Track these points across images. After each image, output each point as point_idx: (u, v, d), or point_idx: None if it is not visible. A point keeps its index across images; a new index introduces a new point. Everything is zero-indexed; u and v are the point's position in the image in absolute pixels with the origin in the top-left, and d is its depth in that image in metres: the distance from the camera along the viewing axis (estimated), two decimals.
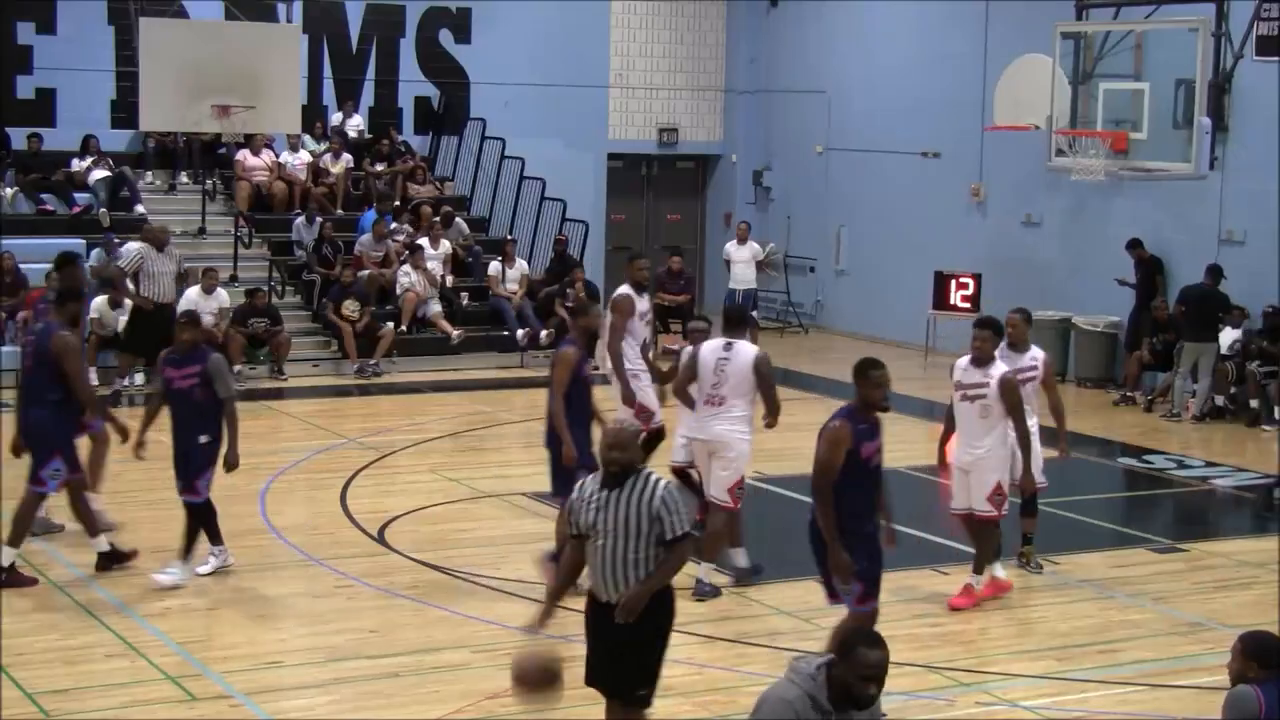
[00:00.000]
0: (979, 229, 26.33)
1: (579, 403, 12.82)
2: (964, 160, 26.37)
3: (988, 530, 12.92)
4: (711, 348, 13.03)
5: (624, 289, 14.71)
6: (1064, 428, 13.88)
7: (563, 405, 12.72)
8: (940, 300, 25.73)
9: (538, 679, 8.18)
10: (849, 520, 10.08)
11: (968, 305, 25.25)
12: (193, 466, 13.07)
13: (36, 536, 13.87)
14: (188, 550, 13.19)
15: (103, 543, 13.47)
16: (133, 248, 21.69)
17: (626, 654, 8.68)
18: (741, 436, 12.88)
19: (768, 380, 12.89)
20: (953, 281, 25.56)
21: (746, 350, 12.92)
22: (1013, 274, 24.94)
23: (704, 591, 12.83)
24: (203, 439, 13.03)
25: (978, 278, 25.27)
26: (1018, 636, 12.42)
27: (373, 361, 23.45)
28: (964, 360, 12.92)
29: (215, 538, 13.42)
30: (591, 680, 8.88)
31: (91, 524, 13.42)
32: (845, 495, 10.10)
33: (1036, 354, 13.69)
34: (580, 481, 8.75)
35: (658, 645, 8.74)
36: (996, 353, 12.88)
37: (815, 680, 6.33)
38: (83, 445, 13.63)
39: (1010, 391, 12.59)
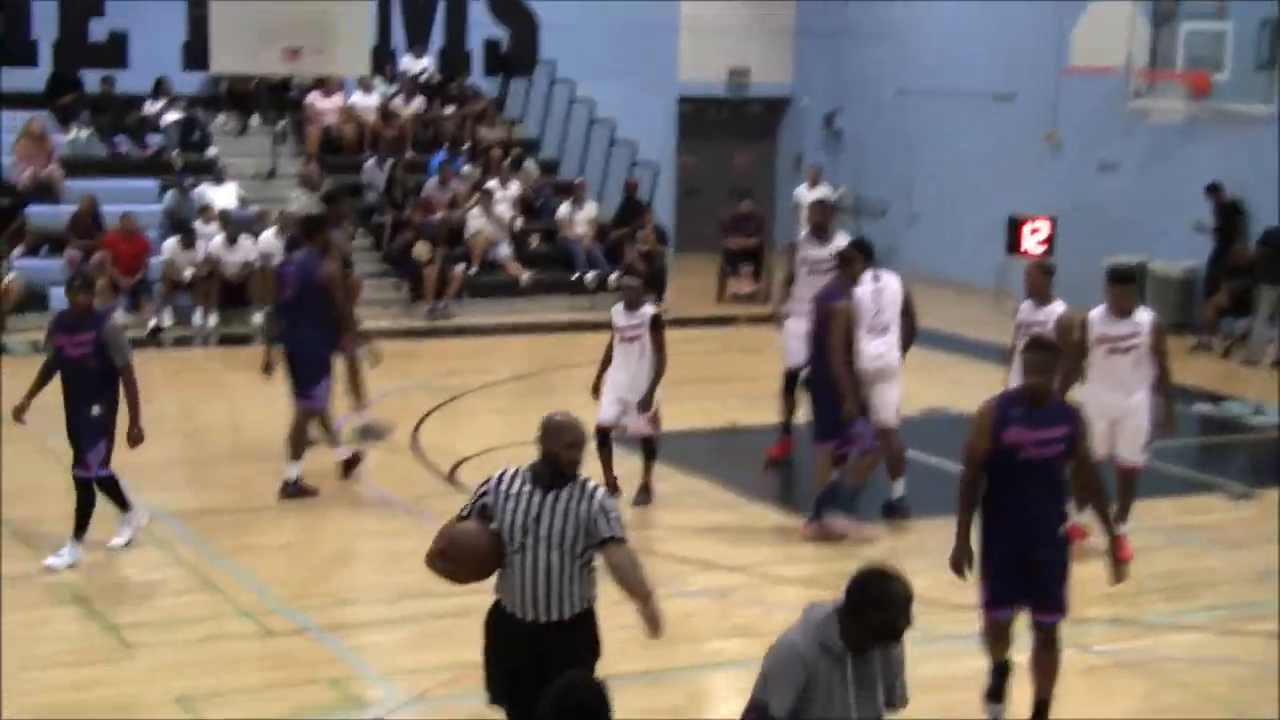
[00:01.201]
0: (1053, 172, 26.10)
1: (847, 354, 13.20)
2: (1039, 103, 26.12)
3: (1133, 480, 12.66)
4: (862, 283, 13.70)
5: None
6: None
7: (844, 357, 13.05)
8: (1013, 245, 25.51)
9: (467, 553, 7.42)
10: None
11: (1042, 250, 25.05)
12: (84, 439, 12.00)
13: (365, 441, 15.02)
14: (80, 530, 12.09)
15: (344, 450, 14.54)
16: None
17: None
18: (900, 358, 13.80)
19: (912, 303, 13.95)
20: (1026, 226, 25.34)
21: (893, 277, 14.00)
22: (1088, 218, 24.75)
23: (902, 509, 13.71)
24: (94, 410, 11.99)
25: (1052, 222, 25.06)
26: (1089, 581, 12.35)
27: (442, 304, 23.51)
28: (1099, 312, 12.52)
29: (123, 504, 12.44)
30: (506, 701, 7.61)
31: (300, 449, 14.06)
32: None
33: (1056, 308, 13.03)
34: (501, 473, 7.61)
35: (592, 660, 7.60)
36: (1025, 304, 13.14)
37: (824, 626, 6.30)
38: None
39: (1162, 334, 12.51)
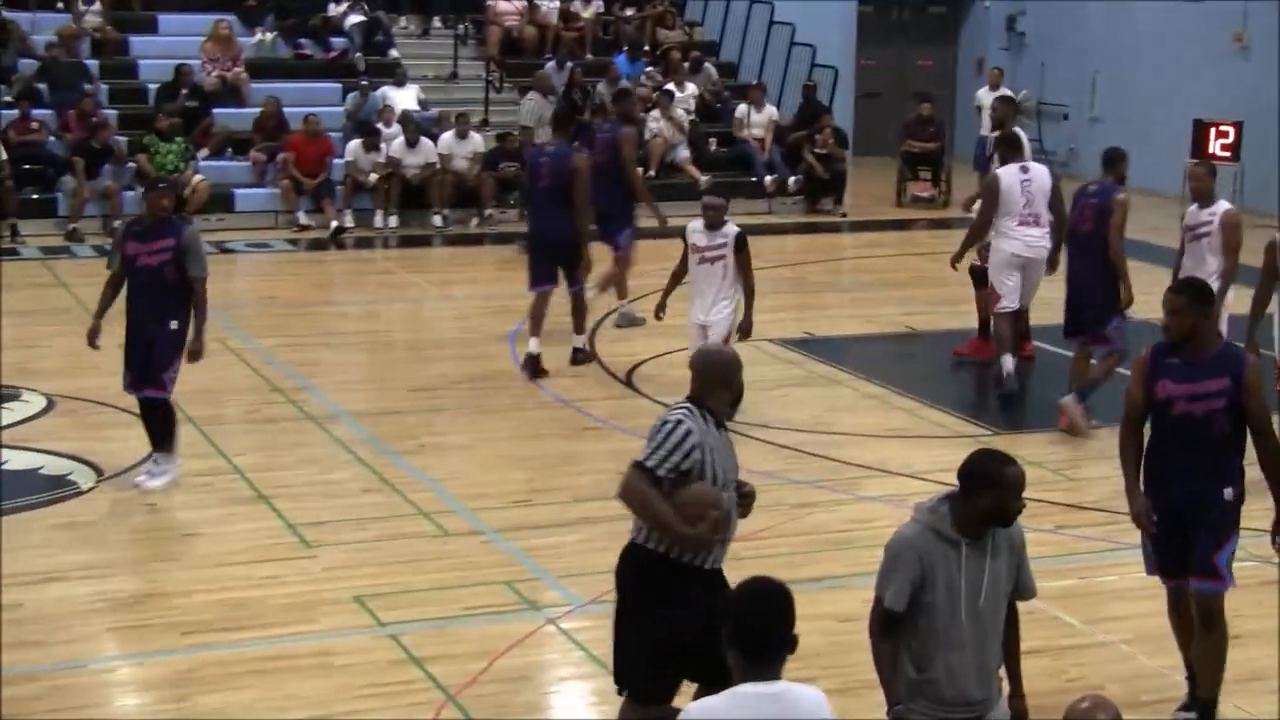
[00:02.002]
0: (1241, 75, 25.45)
1: None
2: (1227, 4, 25.46)
3: None
4: (1010, 173, 14.29)
5: None
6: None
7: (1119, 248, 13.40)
8: (1199, 149, 24.91)
9: None
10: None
11: (1228, 154, 24.49)
12: (160, 357, 11.34)
13: (620, 328, 16.72)
14: (167, 441, 11.59)
15: (578, 340, 15.50)
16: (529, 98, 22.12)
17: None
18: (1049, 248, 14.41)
19: (1060, 195, 14.43)
20: (1212, 130, 24.76)
21: (1041, 169, 14.55)
22: (1276, 123, 24.12)
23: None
24: (173, 325, 11.37)
25: (1239, 126, 24.46)
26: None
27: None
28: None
29: (172, 439, 11.64)
30: (678, 673, 7.16)
31: (581, 324, 15.49)
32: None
33: (1220, 207, 13.38)
34: (686, 421, 6.91)
35: None
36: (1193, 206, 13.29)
37: (936, 513, 6.29)
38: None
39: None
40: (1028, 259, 14.27)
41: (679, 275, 13.56)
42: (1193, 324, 7.80)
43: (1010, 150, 14.59)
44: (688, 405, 7.00)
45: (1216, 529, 7.95)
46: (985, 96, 26.84)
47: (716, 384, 7.05)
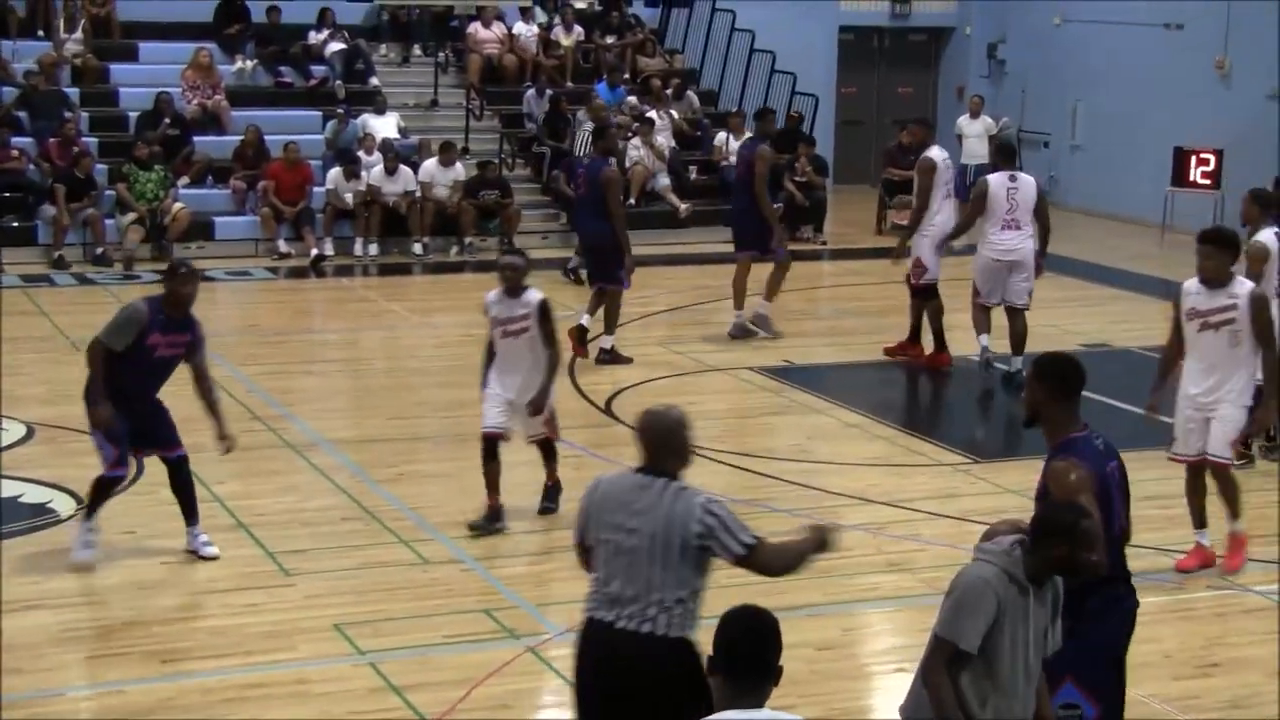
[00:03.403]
0: (1222, 103, 25.56)
1: None
2: (1208, 32, 25.58)
3: (1227, 477, 11.15)
4: (999, 180, 15.76)
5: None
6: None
7: None
8: (1180, 177, 25.10)
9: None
10: None
11: (1208, 182, 24.62)
12: (164, 418, 10.92)
13: (736, 339, 17.57)
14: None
15: (607, 340, 16.55)
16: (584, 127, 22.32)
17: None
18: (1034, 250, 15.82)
19: (1045, 204, 15.96)
20: (1193, 157, 24.91)
21: (1028, 179, 16.00)
22: (1257, 150, 24.21)
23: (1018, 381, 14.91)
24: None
25: (1219, 154, 24.59)
26: (1252, 520, 12.17)
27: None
28: (1193, 283, 10.83)
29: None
30: None
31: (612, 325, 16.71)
32: None
33: (1261, 237, 12.52)
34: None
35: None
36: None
37: (1010, 556, 6.23)
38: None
39: (1263, 310, 10.70)
40: (1006, 263, 15.66)
41: (490, 353, 11.70)
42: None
43: (1003, 159, 16.29)
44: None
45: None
46: (966, 124, 27.01)
47: (672, 453, 6.72)
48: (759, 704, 5.19)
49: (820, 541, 6.78)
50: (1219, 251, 10.55)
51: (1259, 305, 10.64)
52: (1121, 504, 6.96)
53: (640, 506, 6.58)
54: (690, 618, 6.54)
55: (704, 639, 5.32)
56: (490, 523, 11.52)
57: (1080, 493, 6.72)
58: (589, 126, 21.54)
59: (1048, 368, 7.07)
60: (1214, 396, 10.73)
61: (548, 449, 11.93)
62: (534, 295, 11.43)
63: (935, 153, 16.49)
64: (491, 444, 11.58)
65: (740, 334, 17.67)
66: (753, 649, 5.23)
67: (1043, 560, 6.19)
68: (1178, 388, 10.95)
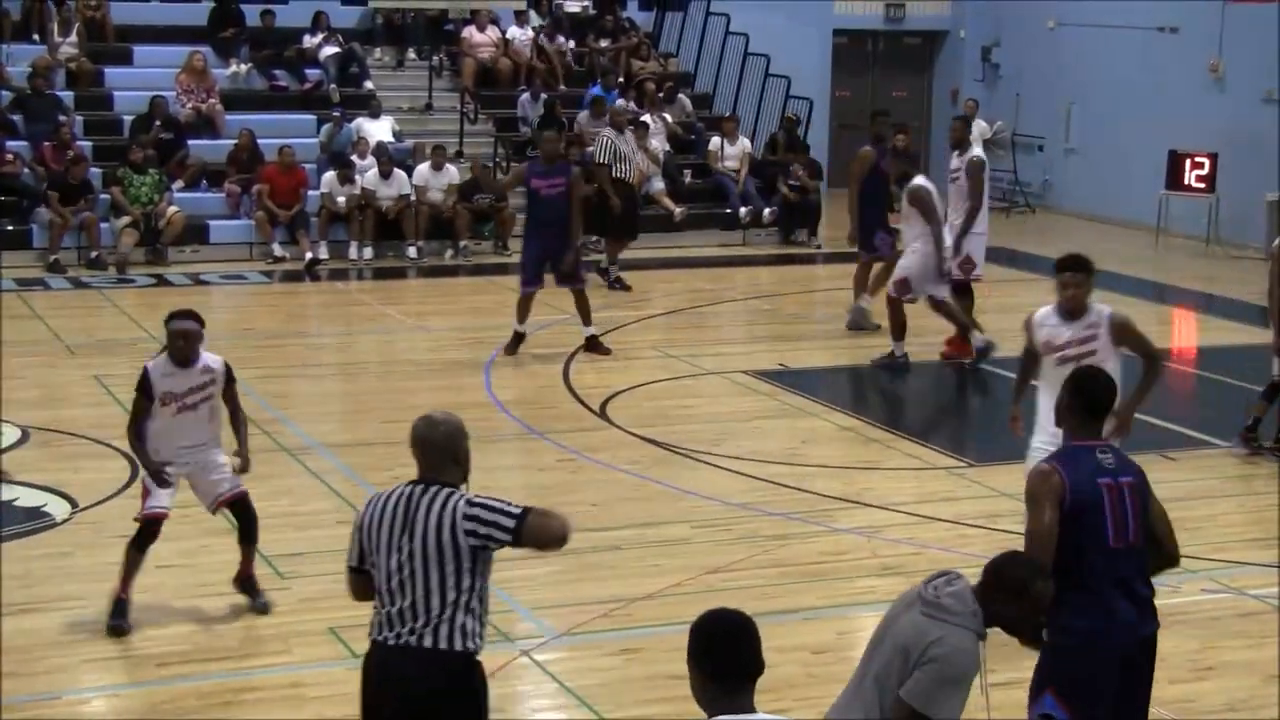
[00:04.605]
0: (1217, 106, 25.58)
1: None
2: (1203, 35, 25.60)
3: None
4: (928, 185, 16.55)
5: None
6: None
7: None
8: (1174, 180, 25.13)
9: None
10: None
11: (1203, 185, 24.65)
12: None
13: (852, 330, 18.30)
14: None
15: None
16: (604, 133, 21.99)
17: None
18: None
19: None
20: (1187, 160, 24.94)
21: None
22: (1251, 154, 24.25)
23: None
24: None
25: (1213, 157, 24.62)
26: (1247, 524, 12.20)
27: (594, 238, 23.51)
28: (1045, 313, 10.01)
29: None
30: None
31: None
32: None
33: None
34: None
35: None
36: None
37: (978, 617, 6.15)
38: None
39: (1130, 328, 9.88)
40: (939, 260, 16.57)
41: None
42: None
43: (911, 165, 17.36)
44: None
45: None
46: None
47: (448, 460, 6.69)
48: (747, 704, 5.16)
49: None
50: (1088, 279, 9.76)
51: (1123, 325, 9.77)
52: (1130, 518, 6.87)
53: (413, 520, 6.51)
54: (474, 627, 6.46)
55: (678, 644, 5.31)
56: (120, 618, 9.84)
57: (1036, 496, 6.76)
58: (609, 132, 21.53)
59: (1083, 380, 7.11)
60: None
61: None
62: (213, 360, 9.94)
63: (981, 151, 17.37)
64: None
65: (858, 325, 18.28)
66: (729, 649, 5.22)
67: (991, 616, 6.14)
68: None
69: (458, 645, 6.39)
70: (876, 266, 18.37)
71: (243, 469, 10.06)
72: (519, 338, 16.81)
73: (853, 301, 18.54)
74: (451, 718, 6.38)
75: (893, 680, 6.02)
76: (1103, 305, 9.90)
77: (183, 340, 9.74)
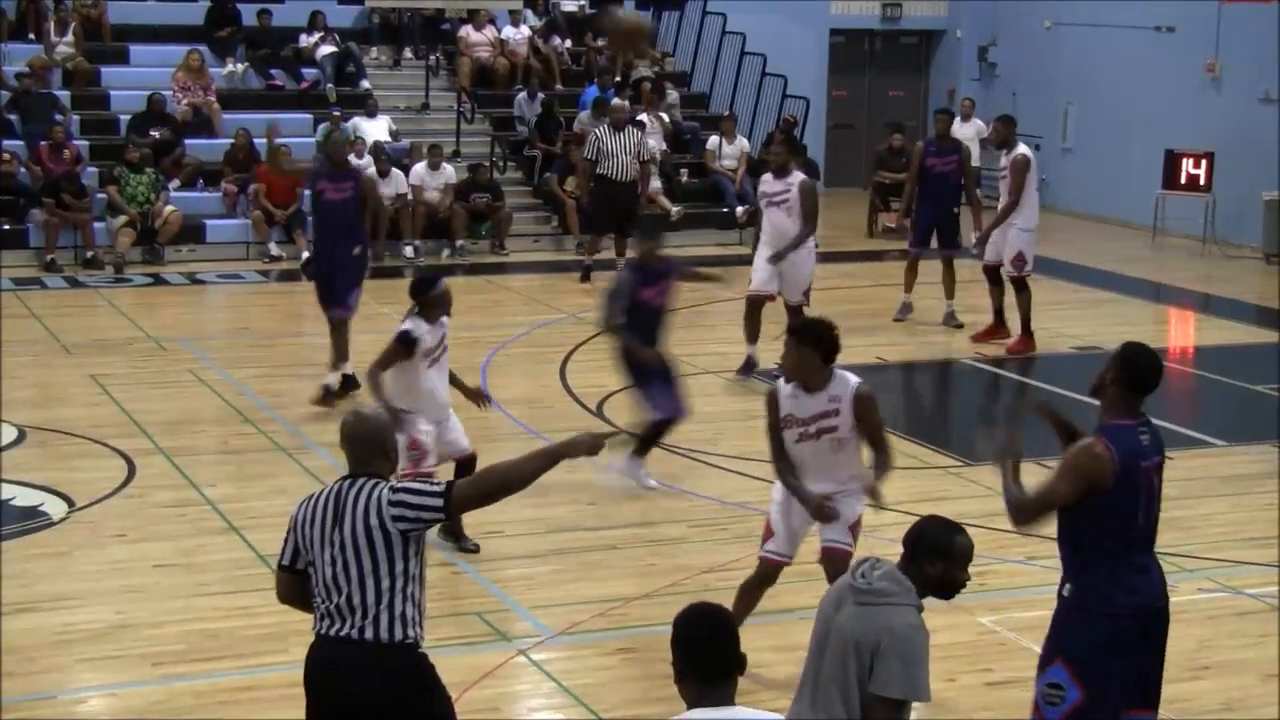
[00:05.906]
0: (1213, 106, 25.58)
1: None
2: (1200, 35, 25.60)
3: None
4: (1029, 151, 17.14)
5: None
6: None
7: None
8: (1170, 180, 25.14)
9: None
10: None
11: (1199, 185, 24.66)
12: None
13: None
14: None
15: None
16: (593, 131, 22.04)
17: None
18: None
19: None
20: (1184, 160, 24.94)
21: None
22: (1248, 153, 24.26)
23: None
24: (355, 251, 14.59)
25: (1210, 157, 24.62)
26: (1243, 523, 12.20)
27: (589, 236, 23.48)
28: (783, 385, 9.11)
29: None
30: None
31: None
32: None
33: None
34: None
35: None
36: None
37: (913, 591, 6.15)
38: None
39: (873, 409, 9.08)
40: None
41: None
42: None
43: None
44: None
45: None
46: (958, 127, 26.94)
47: (377, 453, 6.76)
48: (727, 698, 5.18)
49: (574, 445, 7.01)
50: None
51: (868, 404, 8.95)
52: (1156, 498, 7.02)
53: (343, 513, 6.56)
54: (412, 614, 6.47)
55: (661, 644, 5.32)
56: None
57: (1077, 469, 6.91)
58: (599, 129, 21.55)
59: (1132, 356, 7.08)
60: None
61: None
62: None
63: (1026, 148, 17.43)
64: None
65: (950, 322, 18.54)
66: (708, 644, 5.24)
67: (916, 578, 6.13)
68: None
69: (398, 635, 6.42)
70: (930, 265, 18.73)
71: None
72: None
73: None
74: (403, 710, 6.40)
75: (850, 678, 5.99)
76: (849, 376, 9.03)
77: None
